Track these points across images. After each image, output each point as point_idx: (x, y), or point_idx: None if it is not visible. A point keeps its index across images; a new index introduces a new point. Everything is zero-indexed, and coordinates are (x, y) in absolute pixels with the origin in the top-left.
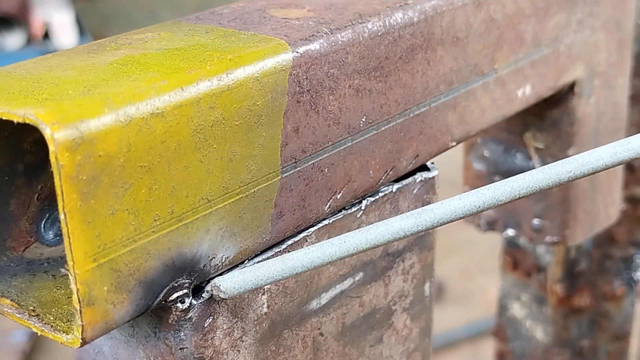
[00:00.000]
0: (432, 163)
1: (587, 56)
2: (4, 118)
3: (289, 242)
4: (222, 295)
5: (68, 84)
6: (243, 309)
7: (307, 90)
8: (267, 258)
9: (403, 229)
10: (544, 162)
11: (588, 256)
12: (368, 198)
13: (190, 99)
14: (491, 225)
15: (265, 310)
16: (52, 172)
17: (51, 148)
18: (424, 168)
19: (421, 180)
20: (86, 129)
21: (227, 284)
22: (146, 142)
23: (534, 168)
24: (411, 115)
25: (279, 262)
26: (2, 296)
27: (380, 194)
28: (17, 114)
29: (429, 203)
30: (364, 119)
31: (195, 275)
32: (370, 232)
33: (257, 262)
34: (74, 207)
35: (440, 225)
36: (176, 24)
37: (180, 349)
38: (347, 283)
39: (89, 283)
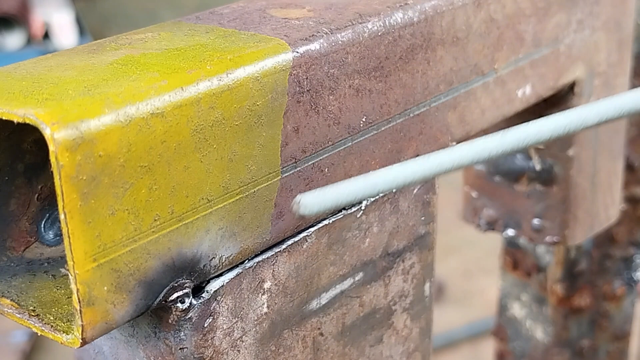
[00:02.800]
0: None
1: (587, 56)
2: (4, 118)
3: (289, 242)
4: (301, 211)
5: (68, 84)
6: (243, 309)
7: (307, 90)
8: (268, 258)
9: (487, 148)
10: (544, 162)
11: (588, 256)
12: (368, 198)
13: (190, 99)
14: (491, 225)
15: (265, 310)
16: (52, 172)
17: (51, 148)
18: None
19: None
20: (86, 129)
21: (308, 199)
22: (146, 142)
23: (534, 168)
24: (411, 115)
25: (361, 180)
26: (2, 296)
27: (380, 194)
28: (17, 114)
29: (429, 203)
30: (364, 119)
31: (195, 275)
32: (455, 151)
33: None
34: (74, 207)
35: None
36: (176, 24)
37: (180, 349)
38: (347, 283)
39: (89, 283)
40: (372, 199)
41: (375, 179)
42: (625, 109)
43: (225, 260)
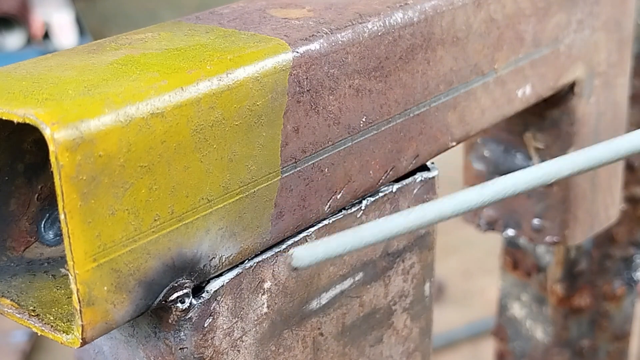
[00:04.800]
0: (432, 163)
1: (587, 56)
2: (4, 118)
3: (289, 242)
4: (294, 264)
5: (68, 84)
6: (243, 309)
7: (307, 90)
8: (268, 258)
9: (468, 201)
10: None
11: (588, 256)
12: (368, 198)
13: (190, 99)
14: (491, 225)
15: (265, 310)
16: (52, 172)
17: (51, 148)
18: (424, 168)
19: (421, 180)
20: (86, 129)
21: (300, 253)
22: (146, 142)
23: None
24: (411, 115)
25: (350, 234)
26: (2, 296)
27: (380, 194)
28: (17, 114)
29: None
30: (364, 119)
31: (195, 275)
32: (440, 204)
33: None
34: (74, 207)
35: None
36: (176, 24)
37: (180, 349)
38: (347, 283)
39: (89, 283)
40: (372, 199)
41: (363, 234)
42: (599, 159)
43: (225, 260)
